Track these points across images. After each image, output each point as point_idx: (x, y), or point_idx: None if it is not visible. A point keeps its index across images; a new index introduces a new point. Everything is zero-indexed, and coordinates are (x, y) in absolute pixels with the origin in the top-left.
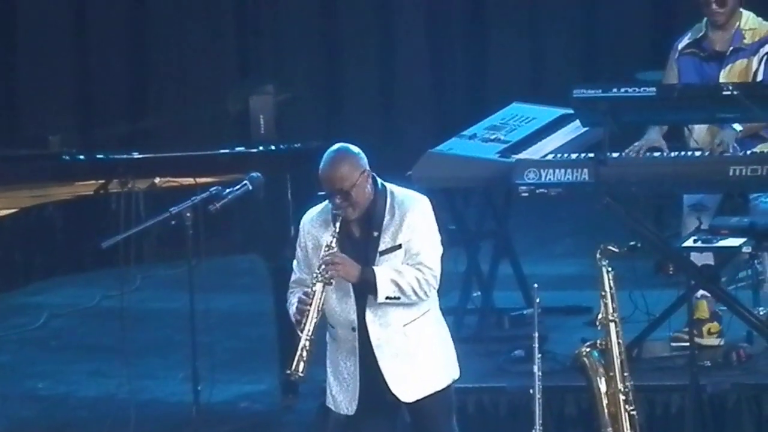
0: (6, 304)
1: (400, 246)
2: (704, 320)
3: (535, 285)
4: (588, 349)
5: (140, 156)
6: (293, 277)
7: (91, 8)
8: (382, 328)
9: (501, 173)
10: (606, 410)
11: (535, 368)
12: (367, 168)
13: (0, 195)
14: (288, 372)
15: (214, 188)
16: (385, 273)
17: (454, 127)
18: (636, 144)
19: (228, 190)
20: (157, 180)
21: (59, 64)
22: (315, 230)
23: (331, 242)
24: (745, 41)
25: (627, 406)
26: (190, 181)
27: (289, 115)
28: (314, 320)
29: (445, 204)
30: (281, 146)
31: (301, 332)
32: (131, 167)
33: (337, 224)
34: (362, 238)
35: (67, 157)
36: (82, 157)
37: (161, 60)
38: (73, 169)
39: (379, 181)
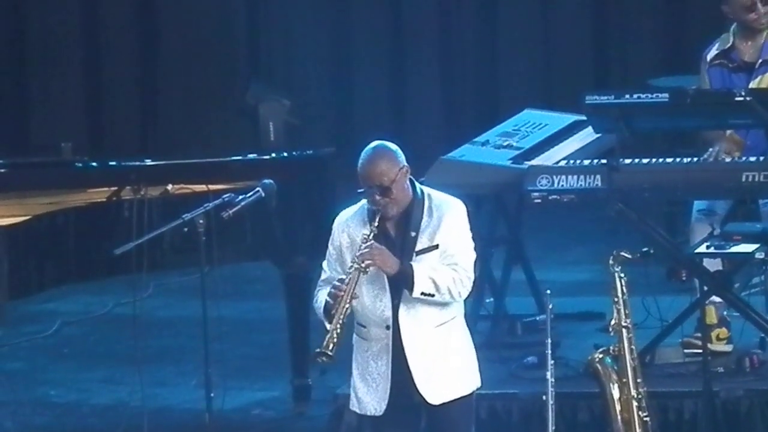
0: (19, 312)
1: (437, 246)
2: (712, 326)
3: (548, 291)
4: (601, 356)
5: (153, 163)
6: (323, 276)
7: (101, 9)
8: (415, 326)
9: (513, 180)
10: (619, 416)
11: (548, 374)
12: (406, 164)
13: (13, 202)
14: (318, 350)
15: (227, 195)
16: (423, 268)
17: (466, 134)
18: (711, 150)
19: (240, 197)
20: (169, 187)
21: (69, 70)
22: (350, 229)
23: (370, 235)
24: None
25: (640, 413)
26: (202, 187)
27: (301, 123)
28: (347, 307)
29: None
30: (294, 153)
31: (333, 316)
32: (144, 174)
33: (376, 219)
34: (399, 238)
35: (80, 164)
36: (94, 164)
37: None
38: (86, 176)
39: (417, 184)
